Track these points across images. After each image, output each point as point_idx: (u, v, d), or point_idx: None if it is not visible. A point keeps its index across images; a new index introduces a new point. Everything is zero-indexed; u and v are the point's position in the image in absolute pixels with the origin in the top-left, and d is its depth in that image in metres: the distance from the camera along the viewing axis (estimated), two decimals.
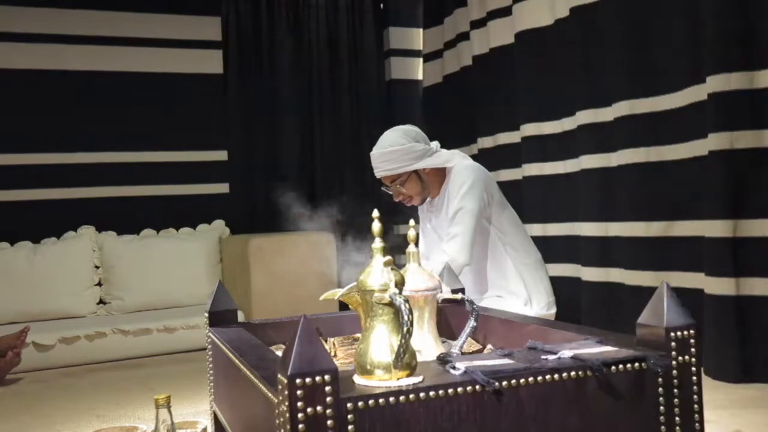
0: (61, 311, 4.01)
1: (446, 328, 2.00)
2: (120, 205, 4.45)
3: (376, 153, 2.62)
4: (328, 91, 5.07)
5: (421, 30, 5.15)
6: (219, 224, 4.66)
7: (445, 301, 1.76)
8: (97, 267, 4.23)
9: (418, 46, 5.21)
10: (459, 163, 2.67)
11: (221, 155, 4.76)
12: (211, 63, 4.73)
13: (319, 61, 5.03)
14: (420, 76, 5.20)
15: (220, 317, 2.06)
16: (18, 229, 4.18)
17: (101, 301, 4.20)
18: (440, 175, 2.69)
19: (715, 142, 2.68)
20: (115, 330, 3.68)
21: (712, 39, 2.69)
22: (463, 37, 4.45)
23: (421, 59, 5.16)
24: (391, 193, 2.70)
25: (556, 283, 2.91)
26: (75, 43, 4.38)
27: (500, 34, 4.01)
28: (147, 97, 4.54)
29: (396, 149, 2.59)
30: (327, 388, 1.08)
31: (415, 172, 2.64)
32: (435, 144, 2.73)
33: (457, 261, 2.49)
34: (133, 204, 4.49)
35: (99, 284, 4.22)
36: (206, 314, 2.07)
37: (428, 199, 2.75)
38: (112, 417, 2.52)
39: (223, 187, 4.76)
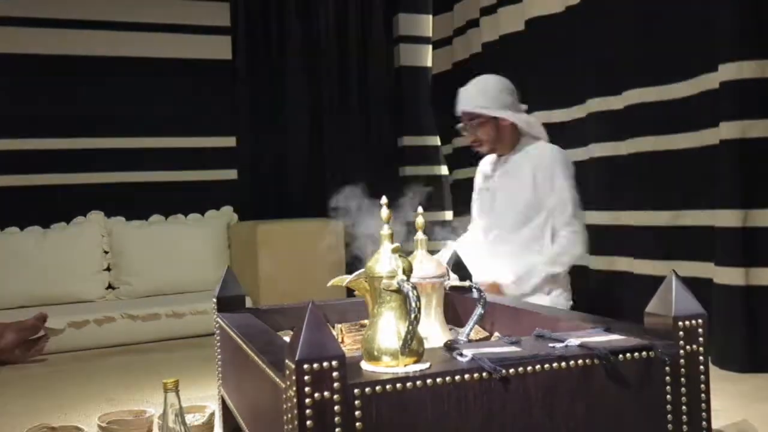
0: (71, 296, 4.03)
1: (453, 316, 2.01)
2: (129, 191, 4.46)
3: (470, 86, 2.72)
4: (337, 78, 5.05)
5: (430, 16, 5.12)
6: (227, 210, 4.67)
7: (453, 288, 1.76)
8: (106, 252, 4.25)
9: (428, 32, 5.18)
10: (551, 145, 2.75)
11: (230, 141, 4.76)
12: (220, 49, 4.72)
13: (327, 47, 5.01)
14: (429, 63, 5.17)
15: (228, 303, 2.07)
16: (28, 213, 4.19)
17: (110, 286, 4.23)
18: (515, 134, 2.75)
19: (726, 131, 2.66)
20: (124, 315, 3.70)
21: (724, 27, 2.67)
22: (473, 23, 4.42)
23: (430, 46, 5.13)
24: (464, 134, 2.78)
25: None
26: (83, 27, 4.37)
27: (510, 21, 3.98)
28: (156, 83, 4.54)
29: (490, 88, 2.69)
30: (334, 374, 1.09)
31: (495, 119, 2.69)
32: (524, 106, 2.83)
33: (577, 253, 2.67)
34: (141, 190, 4.50)
35: (108, 269, 4.24)
36: (214, 300, 2.08)
37: (493, 155, 2.85)
38: (120, 400, 2.54)
39: (231, 173, 4.76)
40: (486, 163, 2.94)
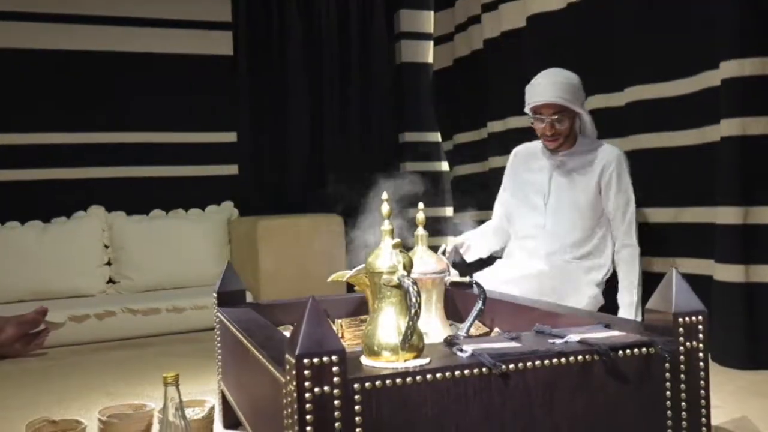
0: (71, 290, 4.03)
1: (453, 311, 2.01)
2: (130, 186, 4.46)
3: (551, 78, 2.66)
4: (338, 73, 5.04)
5: (432, 12, 5.11)
6: (228, 206, 4.67)
7: (453, 284, 1.76)
8: (106, 246, 4.25)
9: (429, 29, 5.17)
10: (617, 148, 2.79)
11: (230, 137, 4.75)
12: (222, 44, 4.71)
13: (329, 43, 5.00)
14: (430, 60, 5.17)
15: (228, 297, 2.07)
16: (28, 208, 4.19)
17: (110, 281, 4.23)
18: (574, 133, 2.77)
19: (727, 128, 2.66)
20: (125, 309, 3.70)
21: (726, 24, 2.66)
22: (475, 20, 4.41)
23: (431, 42, 5.13)
24: (541, 124, 2.70)
25: None
26: (85, 23, 4.37)
27: (512, 18, 3.97)
28: (157, 78, 4.53)
29: (574, 83, 2.66)
30: (334, 369, 1.09)
31: (574, 115, 2.70)
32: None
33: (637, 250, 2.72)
34: (142, 184, 4.50)
35: (108, 264, 4.25)
36: (215, 294, 2.08)
37: (532, 150, 2.86)
38: (121, 394, 2.54)
39: (232, 169, 4.76)
40: (524, 161, 2.90)
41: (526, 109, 2.74)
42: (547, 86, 2.64)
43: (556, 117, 2.65)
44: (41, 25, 4.27)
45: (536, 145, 2.88)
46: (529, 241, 2.78)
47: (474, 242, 2.79)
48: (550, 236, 2.73)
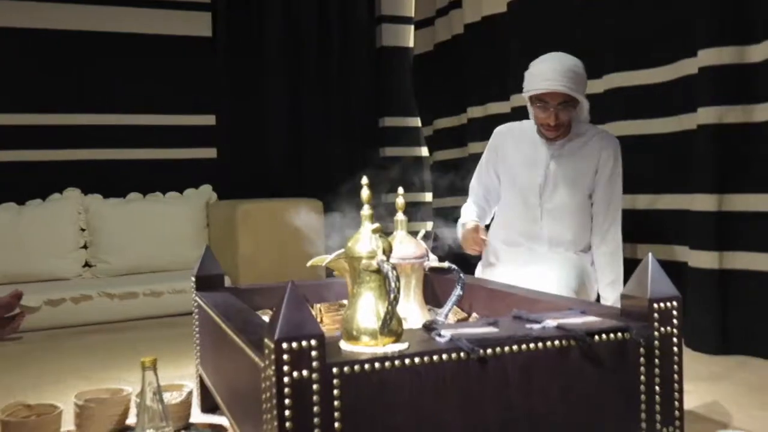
0: (47, 273, 3.99)
1: (432, 296, 2.02)
2: (106, 168, 4.41)
3: (557, 65, 2.42)
4: (318, 57, 5.01)
5: None
6: (206, 189, 4.63)
7: (432, 269, 1.77)
8: (82, 230, 4.21)
9: (410, 12, 5.15)
10: (610, 133, 2.62)
11: (209, 119, 4.71)
12: (200, 25, 4.65)
13: (308, 25, 4.96)
14: (411, 44, 5.15)
15: (206, 282, 2.06)
16: (3, 190, 4.13)
17: (87, 264, 4.19)
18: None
19: (703, 116, 2.69)
20: (101, 293, 3.67)
21: (704, 12, 2.68)
22: (456, 4, 4.40)
23: (412, 26, 5.11)
24: (543, 113, 2.45)
25: None
26: (60, 1, 4.29)
27: (493, 3, 3.97)
28: (135, 59, 4.47)
29: (580, 72, 2.46)
30: (313, 353, 1.09)
31: (575, 103, 2.48)
32: None
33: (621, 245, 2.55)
34: (119, 167, 4.45)
35: (85, 247, 4.20)
36: (193, 278, 2.07)
37: (511, 131, 2.67)
38: (97, 379, 2.53)
39: (210, 152, 4.72)
40: (513, 143, 2.64)
41: (525, 95, 2.50)
42: (555, 73, 2.40)
43: (560, 106, 2.43)
44: (14, 3, 4.19)
45: (522, 126, 2.67)
46: (522, 242, 2.59)
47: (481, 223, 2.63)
48: (548, 237, 2.55)
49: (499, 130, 2.73)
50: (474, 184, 2.77)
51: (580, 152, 2.54)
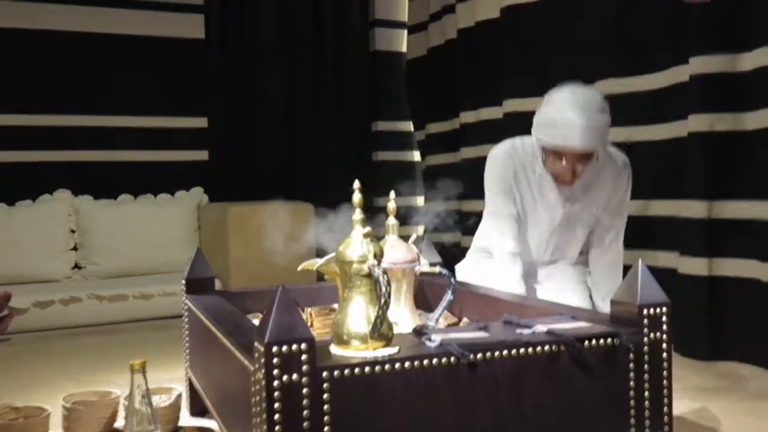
0: (36, 275, 3.97)
1: (423, 301, 2.02)
2: (97, 170, 4.39)
3: (597, 121, 2.10)
4: (311, 60, 5.01)
5: (406, 1, 5.10)
6: (197, 191, 4.62)
7: (423, 274, 1.77)
8: (73, 231, 4.19)
9: (404, 17, 5.16)
10: (618, 152, 2.35)
11: (201, 122, 4.70)
12: (193, 28, 4.65)
13: (302, 29, 4.97)
14: (404, 49, 5.16)
15: (197, 285, 2.05)
16: None
17: (77, 266, 4.17)
18: None
19: (694, 123, 2.70)
20: (91, 295, 3.66)
21: (696, 20, 2.70)
22: (449, 9, 4.41)
23: (405, 31, 5.12)
24: (560, 163, 2.17)
25: None
26: (53, 2, 4.27)
27: (486, 8, 3.98)
28: (127, 61, 4.46)
29: (608, 121, 2.15)
30: (303, 357, 1.09)
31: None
32: None
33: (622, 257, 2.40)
34: (110, 168, 4.43)
35: (75, 248, 4.18)
36: (183, 281, 2.06)
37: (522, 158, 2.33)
38: (86, 381, 2.52)
39: (202, 154, 4.71)
40: (524, 175, 2.33)
41: (542, 144, 2.21)
42: (584, 131, 2.07)
43: (581, 158, 2.16)
44: (6, 3, 4.17)
45: (524, 152, 2.34)
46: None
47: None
48: (550, 259, 2.42)
49: (504, 161, 2.35)
50: (509, 220, 2.33)
51: (595, 183, 2.29)
